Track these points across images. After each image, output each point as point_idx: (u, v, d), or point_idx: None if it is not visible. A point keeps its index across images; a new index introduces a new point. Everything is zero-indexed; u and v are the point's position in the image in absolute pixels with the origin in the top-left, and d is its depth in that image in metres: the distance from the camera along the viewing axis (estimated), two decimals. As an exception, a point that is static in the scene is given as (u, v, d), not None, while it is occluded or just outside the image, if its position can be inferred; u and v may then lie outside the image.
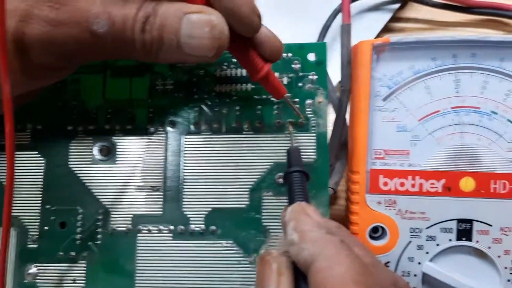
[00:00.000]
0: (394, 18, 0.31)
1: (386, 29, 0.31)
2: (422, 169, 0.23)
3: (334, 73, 0.27)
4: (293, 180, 0.20)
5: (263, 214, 0.22)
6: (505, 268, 0.22)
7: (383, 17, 0.31)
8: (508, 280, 0.22)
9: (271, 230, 0.22)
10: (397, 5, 0.31)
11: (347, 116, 0.25)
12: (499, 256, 0.22)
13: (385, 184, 0.23)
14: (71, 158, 0.23)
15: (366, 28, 0.30)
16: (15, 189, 0.22)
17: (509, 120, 0.23)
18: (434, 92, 0.23)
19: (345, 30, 0.24)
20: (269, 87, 0.21)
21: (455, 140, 0.23)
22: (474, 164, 0.23)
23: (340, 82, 0.26)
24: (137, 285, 0.22)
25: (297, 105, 0.22)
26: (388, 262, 0.23)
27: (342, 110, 0.25)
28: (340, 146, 0.26)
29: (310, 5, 0.31)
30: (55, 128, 0.23)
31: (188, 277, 0.22)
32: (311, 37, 0.30)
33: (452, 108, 0.23)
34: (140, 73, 0.23)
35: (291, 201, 0.20)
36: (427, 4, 0.30)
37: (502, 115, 0.23)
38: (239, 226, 0.22)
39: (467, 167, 0.23)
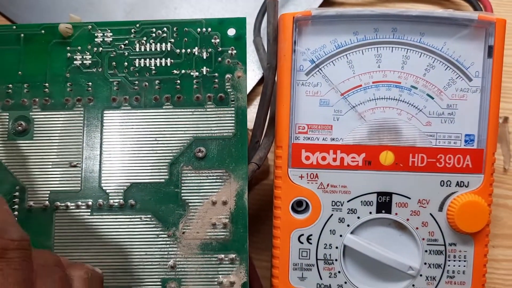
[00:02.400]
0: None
1: (327, 3, 0.31)
2: (343, 143, 0.23)
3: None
4: None
5: (183, 188, 0.22)
6: (423, 239, 0.23)
7: (322, -8, 0.30)
8: (426, 251, 0.23)
9: (190, 204, 0.22)
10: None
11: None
12: (417, 228, 0.23)
13: (307, 158, 0.23)
14: (-13, 134, 0.23)
15: (307, 2, 0.30)
16: None
17: (428, 95, 0.23)
18: (356, 67, 0.23)
19: (271, 6, 0.24)
20: None
21: (376, 114, 0.23)
22: (394, 138, 0.23)
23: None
24: (55, 261, 0.22)
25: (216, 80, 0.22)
26: (310, 235, 0.23)
27: (268, 87, 0.24)
28: (270, 123, 0.26)
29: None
30: (-30, 103, 0.23)
31: (107, 252, 0.22)
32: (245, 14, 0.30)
33: (374, 82, 0.23)
34: (58, 47, 0.23)
35: None
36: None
37: (422, 89, 0.23)
38: (158, 200, 0.22)
39: (388, 141, 0.23)
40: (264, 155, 0.25)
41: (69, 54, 0.23)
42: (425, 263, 0.23)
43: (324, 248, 0.23)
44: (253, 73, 0.31)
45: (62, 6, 0.32)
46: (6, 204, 0.18)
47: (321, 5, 0.31)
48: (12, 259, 0.16)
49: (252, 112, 0.29)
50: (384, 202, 0.23)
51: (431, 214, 0.23)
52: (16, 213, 0.22)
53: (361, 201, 0.23)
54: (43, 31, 0.23)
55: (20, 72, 0.23)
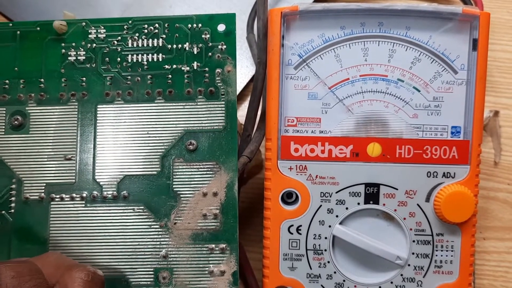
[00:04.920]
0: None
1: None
2: (331, 135, 0.23)
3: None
4: None
5: (174, 180, 0.22)
6: (410, 229, 0.23)
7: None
8: (414, 241, 0.23)
9: (181, 195, 0.22)
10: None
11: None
12: (404, 218, 0.23)
13: (296, 150, 0.23)
14: (-16, 128, 0.23)
15: None
16: None
17: (415, 88, 0.23)
18: (343, 61, 0.23)
19: (261, 2, 0.25)
20: None
21: (363, 107, 0.23)
22: (382, 130, 0.23)
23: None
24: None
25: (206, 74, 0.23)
26: (300, 226, 0.23)
27: (259, 82, 0.25)
28: (261, 117, 0.26)
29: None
30: (-32, 99, 0.23)
31: (101, 242, 0.22)
32: (239, 11, 0.31)
33: (361, 76, 0.23)
34: (53, 44, 0.23)
35: None
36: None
37: (408, 82, 0.23)
38: (151, 192, 0.22)
39: (375, 133, 0.23)
40: (255, 148, 0.25)
41: (63, 51, 0.23)
42: (413, 253, 0.23)
43: (314, 238, 0.23)
44: (247, 69, 0.31)
45: (60, 5, 0.32)
46: None
47: (314, 1, 0.31)
48: None
49: (246, 107, 0.30)
50: (372, 193, 0.23)
51: (418, 204, 0.23)
52: (13, 205, 0.23)
53: (349, 192, 0.23)
54: (38, 28, 0.24)
55: (16, 68, 0.23)
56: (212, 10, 0.32)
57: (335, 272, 0.23)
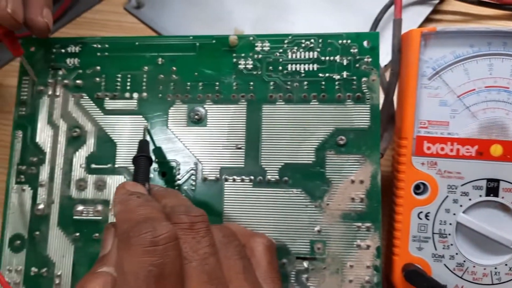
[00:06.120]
0: (434, 11, 0.36)
1: (426, 20, 0.36)
2: (459, 137, 0.27)
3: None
4: (137, 163, 0.25)
5: (326, 168, 0.27)
6: (525, 220, 0.27)
7: (425, 10, 0.35)
8: (528, 231, 0.27)
9: (332, 182, 0.27)
10: (436, 1, 0.36)
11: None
12: (520, 210, 0.27)
13: (428, 148, 0.28)
14: (170, 121, 0.29)
15: (410, 19, 0.35)
16: (126, 146, 0.28)
17: (533, 98, 0.27)
18: (471, 74, 0.27)
19: (397, 24, 0.29)
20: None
21: (487, 113, 0.27)
22: (503, 134, 0.27)
23: (385, 66, 0.31)
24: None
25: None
26: (428, 213, 0.27)
27: (391, 90, 0.29)
28: (388, 120, 0.30)
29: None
30: (157, 97, 0.29)
31: (266, 217, 0.27)
32: (354, 27, 0.35)
33: (486, 87, 0.27)
34: (226, 54, 0.29)
35: (134, 180, 0.25)
36: (463, 0, 0.35)
37: (528, 93, 0.27)
38: (307, 178, 0.27)
39: (497, 136, 0.27)
40: (386, 146, 0.29)
41: (234, 60, 0.29)
42: (526, 241, 0.27)
43: (440, 224, 0.27)
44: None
45: (196, 21, 0.38)
46: (181, 194, 0.24)
47: (421, 24, 0.35)
48: (199, 229, 0.21)
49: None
50: (492, 187, 0.27)
51: (534, 199, 0.27)
52: (193, 183, 0.28)
53: (473, 186, 0.27)
54: (214, 41, 0.29)
55: (196, 73, 0.29)
56: (331, 27, 0.37)
57: (457, 254, 0.27)
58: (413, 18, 0.35)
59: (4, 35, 0.27)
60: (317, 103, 0.28)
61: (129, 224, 0.20)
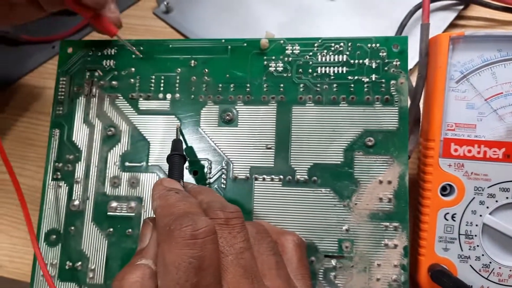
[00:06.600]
0: (458, 17, 0.36)
1: (451, 26, 0.36)
2: (486, 139, 0.28)
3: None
4: (171, 161, 0.26)
5: (355, 169, 0.28)
6: (552, 222, 0.27)
7: (449, 16, 0.36)
8: (555, 234, 0.27)
9: (361, 182, 0.27)
10: (461, 7, 0.36)
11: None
12: (547, 213, 0.27)
13: (455, 150, 0.28)
14: (202, 122, 0.30)
15: (435, 25, 0.36)
16: (159, 145, 0.29)
17: (560, 102, 0.27)
18: (498, 77, 0.28)
19: (425, 28, 0.30)
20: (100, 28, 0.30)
21: (514, 117, 0.28)
22: (530, 137, 0.28)
23: (410, 70, 0.32)
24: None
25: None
26: (455, 214, 0.28)
27: (418, 93, 0.30)
28: (414, 123, 0.31)
29: (380, 4, 0.37)
30: (189, 98, 0.30)
31: (295, 216, 0.28)
32: (375, 31, 0.36)
33: (513, 90, 0.28)
34: (257, 57, 0.30)
35: (169, 177, 0.25)
36: (487, 6, 0.35)
37: (555, 97, 0.27)
38: (335, 177, 0.28)
39: (524, 139, 0.28)
40: (413, 148, 0.30)
41: (265, 62, 0.29)
42: (553, 243, 0.27)
43: (466, 225, 0.28)
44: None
45: (224, 25, 0.39)
46: (215, 192, 0.25)
47: (446, 30, 0.36)
48: (235, 225, 0.22)
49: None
50: (520, 189, 0.27)
51: (561, 201, 0.27)
52: (224, 181, 0.29)
53: (500, 188, 0.28)
54: (245, 44, 0.30)
55: (227, 75, 0.30)
56: (353, 29, 0.38)
57: (483, 255, 0.28)
58: (438, 23, 0.36)
59: (93, 18, 0.29)
60: (346, 105, 0.28)
61: (170, 218, 0.21)
